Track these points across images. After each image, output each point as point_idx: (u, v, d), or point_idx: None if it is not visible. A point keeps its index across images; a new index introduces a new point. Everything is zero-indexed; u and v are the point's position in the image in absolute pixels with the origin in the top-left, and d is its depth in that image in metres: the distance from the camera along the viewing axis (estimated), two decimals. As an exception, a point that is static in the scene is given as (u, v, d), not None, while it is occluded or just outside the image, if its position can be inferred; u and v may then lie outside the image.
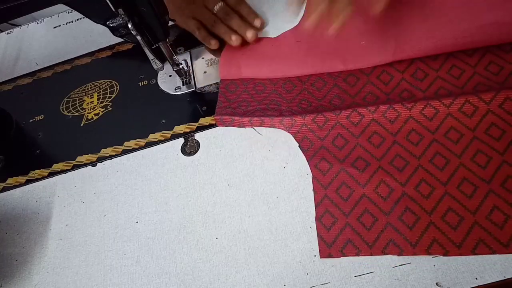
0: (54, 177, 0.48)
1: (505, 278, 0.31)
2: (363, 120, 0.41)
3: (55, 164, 0.49)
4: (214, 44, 0.51)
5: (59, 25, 0.65)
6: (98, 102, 0.53)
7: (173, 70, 0.48)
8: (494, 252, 0.32)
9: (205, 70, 0.51)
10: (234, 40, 0.49)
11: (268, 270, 0.36)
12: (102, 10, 0.38)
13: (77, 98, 0.54)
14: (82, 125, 0.51)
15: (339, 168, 0.39)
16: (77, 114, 0.53)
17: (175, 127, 0.47)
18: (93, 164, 0.48)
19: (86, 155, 0.48)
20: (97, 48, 0.59)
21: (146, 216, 0.42)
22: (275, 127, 0.44)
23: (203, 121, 0.47)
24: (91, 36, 0.61)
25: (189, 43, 0.54)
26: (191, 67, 0.51)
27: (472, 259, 0.33)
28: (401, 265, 0.34)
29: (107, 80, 0.54)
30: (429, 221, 0.34)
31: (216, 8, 0.52)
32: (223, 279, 0.37)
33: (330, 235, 0.36)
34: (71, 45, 0.61)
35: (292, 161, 0.41)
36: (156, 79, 0.52)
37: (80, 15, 0.63)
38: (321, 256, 0.35)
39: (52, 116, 0.53)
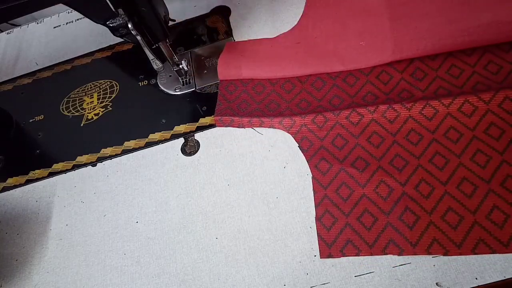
0: (54, 177, 0.48)
1: (505, 278, 0.31)
2: (362, 120, 0.41)
3: (55, 164, 0.49)
4: None
5: (59, 25, 0.65)
6: (98, 102, 0.53)
7: (173, 70, 0.48)
8: (494, 252, 0.32)
9: (205, 70, 0.51)
10: None
11: (268, 270, 0.36)
12: (102, 10, 0.38)
13: (77, 98, 0.54)
14: (82, 125, 0.51)
15: (339, 168, 0.39)
16: (77, 114, 0.53)
17: (175, 127, 0.47)
18: (93, 164, 0.47)
19: (86, 155, 0.48)
20: (97, 48, 0.59)
21: (146, 216, 0.42)
22: (275, 128, 0.44)
23: (203, 121, 0.47)
24: (91, 36, 0.61)
25: (189, 43, 0.54)
26: (191, 67, 0.51)
27: (472, 259, 0.33)
28: (401, 265, 0.34)
29: (107, 80, 0.54)
30: (429, 221, 0.34)
31: None
32: (223, 279, 0.37)
33: (330, 235, 0.36)
34: (71, 45, 0.61)
35: (292, 161, 0.41)
36: (156, 79, 0.52)
37: (80, 15, 0.63)
38: (321, 256, 0.35)
39: (52, 116, 0.53)
